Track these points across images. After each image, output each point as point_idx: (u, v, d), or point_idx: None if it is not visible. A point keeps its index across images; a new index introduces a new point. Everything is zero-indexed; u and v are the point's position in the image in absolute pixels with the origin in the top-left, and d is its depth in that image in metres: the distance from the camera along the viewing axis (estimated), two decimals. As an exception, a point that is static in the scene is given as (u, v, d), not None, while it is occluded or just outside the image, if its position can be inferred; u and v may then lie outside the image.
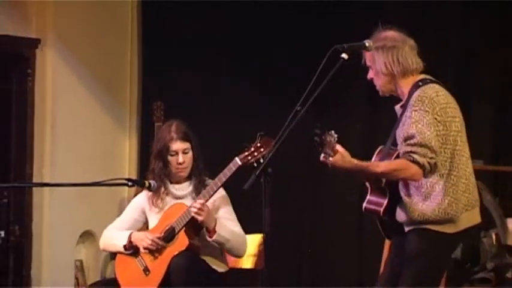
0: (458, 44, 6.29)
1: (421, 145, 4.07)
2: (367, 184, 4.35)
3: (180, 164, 5.02)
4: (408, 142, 4.10)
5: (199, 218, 4.82)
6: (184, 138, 5.05)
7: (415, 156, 4.07)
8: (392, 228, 4.33)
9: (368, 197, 4.31)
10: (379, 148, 4.34)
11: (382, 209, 4.25)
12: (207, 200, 4.88)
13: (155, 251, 4.96)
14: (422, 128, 4.08)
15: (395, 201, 4.24)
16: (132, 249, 5.01)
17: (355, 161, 4.11)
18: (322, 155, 4.03)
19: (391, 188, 4.23)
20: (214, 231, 4.86)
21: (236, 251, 4.98)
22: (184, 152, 5.04)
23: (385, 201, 4.24)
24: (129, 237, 5.01)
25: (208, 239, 4.88)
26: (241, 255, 5.05)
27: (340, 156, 4.05)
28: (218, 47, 6.88)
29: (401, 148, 4.15)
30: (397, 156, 4.23)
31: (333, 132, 3.97)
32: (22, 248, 6.58)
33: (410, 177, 4.14)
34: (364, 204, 4.32)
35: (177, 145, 5.03)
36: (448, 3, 6.23)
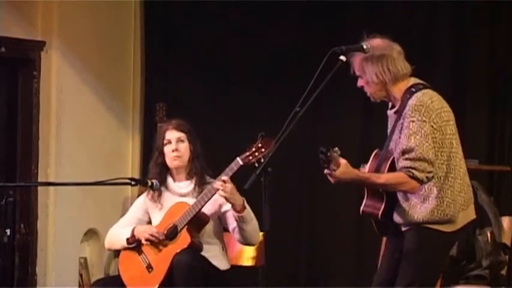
0: (451, 45, 6.30)
1: (419, 159, 4.11)
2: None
3: (173, 150, 5.04)
4: (407, 156, 4.13)
5: (225, 196, 4.79)
6: (179, 128, 5.09)
7: (415, 172, 4.11)
8: (387, 225, 4.38)
9: (365, 200, 4.33)
10: (375, 151, 4.36)
11: (379, 213, 4.27)
12: (209, 199, 4.90)
13: (158, 248, 4.99)
14: (421, 140, 4.11)
15: (393, 204, 4.27)
16: (135, 243, 5.04)
17: (356, 172, 4.17)
18: (327, 170, 4.11)
19: (388, 191, 4.27)
20: (244, 207, 4.84)
21: (254, 235, 4.92)
22: (179, 140, 5.07)
23: (382, 205, 4.27)
24: (132, 230, 5.05)
25: (237, 214, 4.84)
26: (257, 241, 4.98)
27: (343, 168, 4.11)
28: (220, 49, 6.90)
29: (400, 161, 4.17)
30: (393, 160, 4.28)
31: (336, 148, 4.04)
32: (28, 245, 6.62)
33: (408, 190, 4.19)
34: (362, 208, 4.34)
35: (172, 134, 5.07)
36: (440, 3, 6.28)
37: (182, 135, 5.10)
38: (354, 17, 6.46)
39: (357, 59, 4.28)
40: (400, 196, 4.27)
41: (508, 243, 5.91)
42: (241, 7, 6.76)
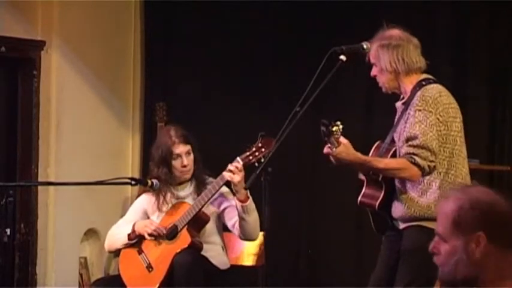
0: (451, 45, 6.30)
1: (422, 147, 4.13)
2: (362, 178, 4.42)
3: (184, 166, 5.06)
4: (410, 143, 4.16)
5: (236, 179, 4.79)
6: (185, 141, 5.10)
7: (417, 158, 4.14)
8: (384, 222, 4.41)
9: (363, 190, 4.37)
10: (376, 143, 4.40)
11: (377, 203, 4.31)
12: (209, 199, 4.94)
13: (158, 248, 5.01)
14: (426, 129, 4.14)
15: (391, 195, 4.30)
16: (136, 238, 5.06)
17: (357, 154, 4.18)
18: (327, 145, 4.10)
19: (387, 182, 4.29)
20: (248, 197, 4.84)
21: (255, 228, 4.91)
22: (187, 154, 5.09)
23: (381, 195, 4.30)
24: (133, 226, 5.08)
25: (240, 204, 4.84)
26: (257, 235, 4.99)
27: (344, 147, 4.11)
28: (221, 49, 6.90)
29: (403, 148, 4.20)
30: (394, 153, 4.31)
31: (338, 122, 4.03)
32: (28, 245, 6.61)
33: (408, 177, 4.21)
34: (360, 198, 4.38)
35: (180, 148, 5.07)
36: (440, 3, 6.27)
37: (189, 148, 5.10)
38: (354, 17, 6.47)
39: (373, 46, 4.31)
40: (398, 189, 4.28)
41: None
42: (242, 7, 6.76)
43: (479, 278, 2.57)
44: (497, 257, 2.56)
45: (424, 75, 4.34)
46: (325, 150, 4.13)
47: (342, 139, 4.09)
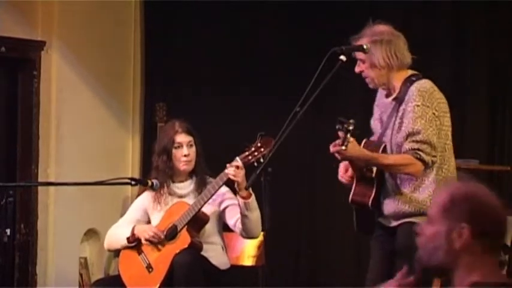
0: (451, 45, 6.29)
1: (425, 142, 4.15)
2: (343, 181, 4.40)
3: (185, 156, 5.05)
4: (414, 138, 4.16)
5: (237, 179, 4.79)
6: (188, 131, 5.10)
7: (422, 154, 4.15)
8: (370, 221, 4.40)
9: (354, 188, 4.35)
10: (364, 140, 4.37)
11: (370, 200, 4.30)
12: (209, 199, 4.92)
13: (158, 248, 5.01)
14: (426, 124, 4.16)
15: (382, 193, 4.30)
16: (135, 242, 5.05)
17: (365, 150, 4.20)
18: (339, 142, 4.09)
19: (379, 179, 4.30)
20: (251, 194, 4.83)
21: (257, 225, 4.90)
22: (189, 145, 5.09)
23: (373, 193, 4.29)
24: (132, 229, 5.07)
25: (243, 201, 4.83)
26: (258, 233, 4.97)
27: (353, 145, 4.12)
28: (221, 48, 6.91)
29: (406, 143, 4.19)
30: (384, 149, 4.31)
31: (352, 121, 4.04)
32: (28, 245, 6.62)
33: (412, 173, 4.21)
34: (351, 196, 4.36)
35: (182, 137, 5.07)
36: (440, 3, 6.28)
37: (191, 139, 5.10)
38: (353, 17, 6.46)
39: (363, 41, 4.29)
40: (390, 185, 4.28)
41: (508, 243, 5.91)
42: (241, 6, 6.76)
43: (451, 271, 2.55)
44: (474, 256, 2.53)
45: (411, 71, 4.35)
46: (336, 147, 4.13)
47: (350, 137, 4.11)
